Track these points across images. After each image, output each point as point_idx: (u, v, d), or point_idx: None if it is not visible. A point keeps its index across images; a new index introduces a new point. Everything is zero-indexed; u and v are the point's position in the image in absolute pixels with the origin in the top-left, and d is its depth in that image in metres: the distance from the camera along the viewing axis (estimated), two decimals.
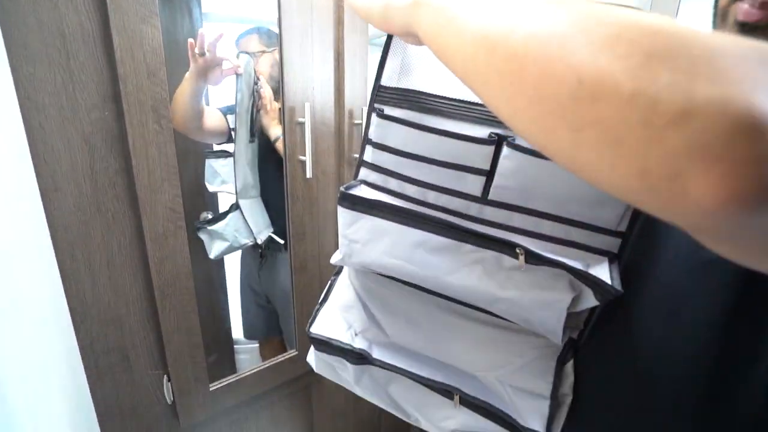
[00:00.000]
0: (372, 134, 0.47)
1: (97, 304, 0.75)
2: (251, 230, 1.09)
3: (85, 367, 0.76)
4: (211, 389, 0.93)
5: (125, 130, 0.69)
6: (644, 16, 0.18)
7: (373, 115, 0.47)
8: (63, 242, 0.69)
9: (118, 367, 0.80)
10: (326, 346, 0.51)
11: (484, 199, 0.43)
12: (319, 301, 0.56)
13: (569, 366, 0.45)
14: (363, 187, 0.49)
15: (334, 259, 0.51)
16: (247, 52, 1.05)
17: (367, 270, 0.51)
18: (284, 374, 1.05)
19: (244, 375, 0.98)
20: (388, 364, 0.48)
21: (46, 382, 0.63)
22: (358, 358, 0.50)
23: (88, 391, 0.77)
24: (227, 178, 1.10)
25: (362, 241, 0.45)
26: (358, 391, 0.54)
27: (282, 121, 0.90)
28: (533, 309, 0.40)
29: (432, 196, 0.45)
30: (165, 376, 0.86)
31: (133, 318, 0.80)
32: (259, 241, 1.11)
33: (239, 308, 1.32)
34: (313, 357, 0.56)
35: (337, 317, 0.54)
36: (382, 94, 0.46)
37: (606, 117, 0.17)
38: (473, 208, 0.44)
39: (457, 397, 0.46)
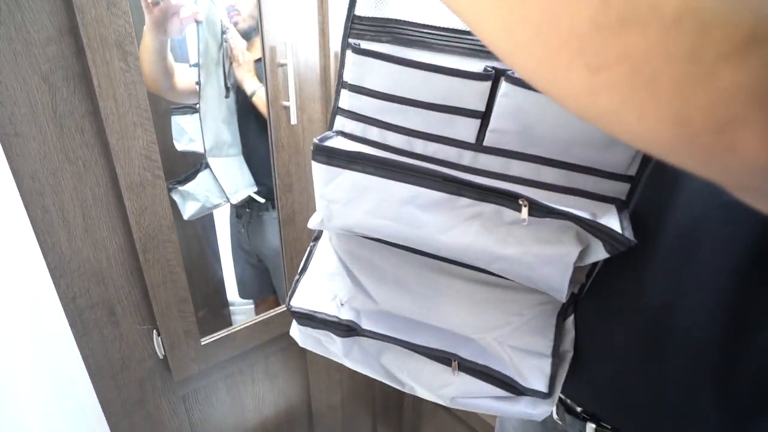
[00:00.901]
0: (347, 75, 0.41)
1: (75, 257, 0.72)
2: (223, 190, 1.03)
3: (69, 322, 0.74)
4: (202, 343, 0.92)
5: (88, 68, 0.63)
6: None
7: (348, 52, 0.40)
8: (31, 192, 0.65)
9: (104, 321, 0.78)
10: (310, 319, 0.47)
11: (478, 146, 0.39)
12: (298, 271, 0.52)
13: (570, 321, 0.43)
14: (339, 138, 0.43)
15: (312, 223, 0.46)
16: None
17: (350, 233, 0.47)
18: (277, 329, 1.05)
19: (236, 329, 0.98)
20: (379, 334, 0.45)
21: (18, 335, 0.61)
22: (346, 330, 0.46)
23: (75, 345, 0.76)
24: (195, 135, 1.02)
25: (342, 200, 0.40)
26: (349, 364, 0.50)
27: (263, 63, 0.83)
28: (537, 266, 0.36)
29: (419, 145, 0.41)
30: (154, 330, 0.85)
31: (116, 272, 0.77)
32: (233, 201, 1.06)
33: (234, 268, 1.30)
34: (296, 331, 0.52)
35: (320, 287, 0.49)
36: (356, 26, 0.40)
37: (638, 50, 0.14)
38: (466, 157, 0.39)
39: (455, 363, 0.43)
